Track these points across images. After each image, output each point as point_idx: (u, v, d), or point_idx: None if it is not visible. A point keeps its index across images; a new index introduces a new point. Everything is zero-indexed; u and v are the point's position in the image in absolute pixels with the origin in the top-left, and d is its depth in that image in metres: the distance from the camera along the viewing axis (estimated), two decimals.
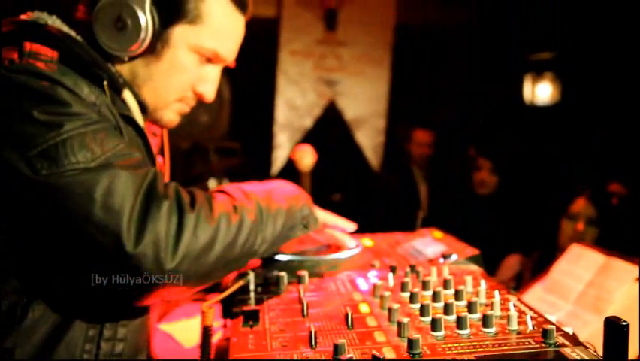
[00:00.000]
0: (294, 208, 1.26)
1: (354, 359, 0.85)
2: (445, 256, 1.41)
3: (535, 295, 2.00)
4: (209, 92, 1.27)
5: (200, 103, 1.32)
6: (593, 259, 1.94)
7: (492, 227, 3.51)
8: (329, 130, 5.26)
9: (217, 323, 1.33)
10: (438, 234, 1.64)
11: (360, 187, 4.97)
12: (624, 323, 0.78)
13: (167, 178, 1.40)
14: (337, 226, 1.46)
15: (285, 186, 1.32)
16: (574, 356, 0.87)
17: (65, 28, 1.15)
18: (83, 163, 0.97)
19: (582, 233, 2.84)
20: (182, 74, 1.22)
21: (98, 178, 0.96)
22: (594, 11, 4.18)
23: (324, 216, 1.41)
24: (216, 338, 1.33)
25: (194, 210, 1.03)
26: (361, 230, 1.71)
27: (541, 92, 5.26)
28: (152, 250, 0.96)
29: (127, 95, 1.18)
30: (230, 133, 5.14)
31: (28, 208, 1.00)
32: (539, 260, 2.77)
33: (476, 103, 5.11)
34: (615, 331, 0.78)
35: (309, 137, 5.15)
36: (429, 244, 1.55)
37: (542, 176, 3.71)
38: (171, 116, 1.29)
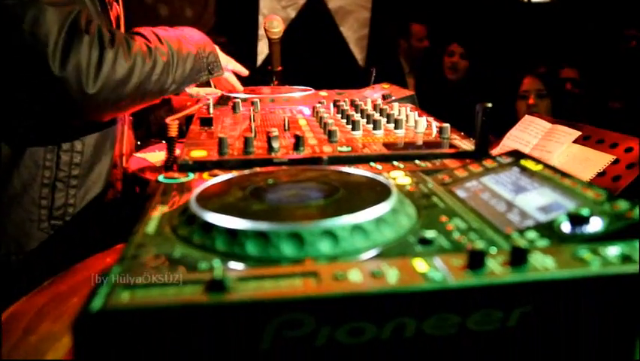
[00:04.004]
0: (201, 54, 1.43)
1: (282, 145, 1.06)
2: (385, 97, 1.61)
3: None
4: None
5: None
6: (541, 126, 2.14)
7: (465, 111, 3.67)
8: (313, 21, 5.28)
9: None
10: (386, 85, 1.83)
11: (346, 81, 5.05)
12: (489, 105, 0.99)
13: (122, 25, 1.55)
14: (235, 69, 1.66)
15: (195, 33, 1.48)
16: (460, 144, 1.09)
17: None
18: None
19: (533, 106, 3.00)
20: None
21: (25, 10, 1.13)
22: None
23: (225, 60, 1.57)
24: None
25: (114, 47, 1.21)
26: None
27: None
28: (75, 77, 1.15)
29: None
30: (217, 27, 5.17)
31: None
32: None
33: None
34: (482, 111, 0.99)
35: (292, 28, 5.18)
36: (377, 92, 1.75)
37: (511, 63, 3.83)
38: None
